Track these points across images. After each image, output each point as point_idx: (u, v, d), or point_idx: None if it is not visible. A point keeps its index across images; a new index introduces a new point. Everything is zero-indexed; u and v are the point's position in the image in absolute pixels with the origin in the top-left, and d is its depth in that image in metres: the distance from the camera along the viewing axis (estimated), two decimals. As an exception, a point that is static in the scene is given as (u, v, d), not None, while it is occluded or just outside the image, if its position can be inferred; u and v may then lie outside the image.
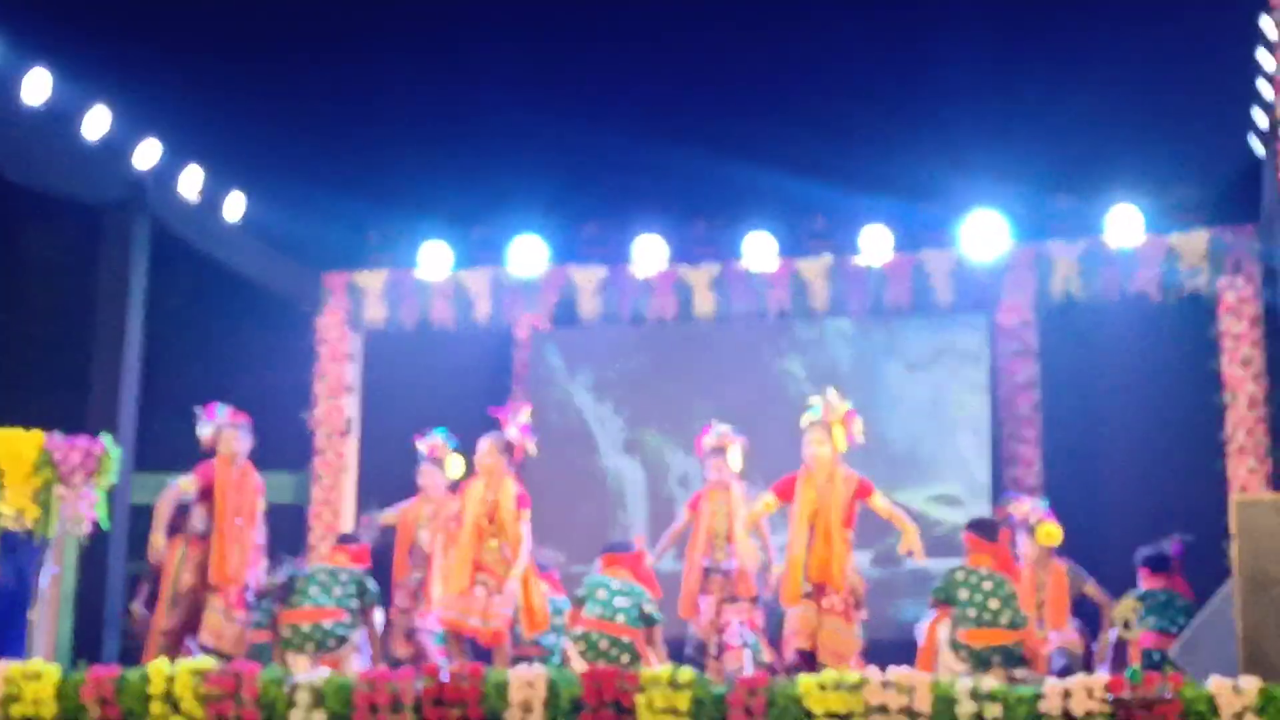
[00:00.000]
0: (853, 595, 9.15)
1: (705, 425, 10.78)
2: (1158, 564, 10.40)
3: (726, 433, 10.50)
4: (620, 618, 9.37)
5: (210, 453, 10.26)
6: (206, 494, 10.07)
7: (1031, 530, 10.54)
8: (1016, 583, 9.14)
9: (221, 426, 10.22)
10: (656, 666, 8.54)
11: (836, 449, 9.34)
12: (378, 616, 9.96)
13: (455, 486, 10.75)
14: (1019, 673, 8.64)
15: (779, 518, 9.91)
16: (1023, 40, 11.04)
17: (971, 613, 8.77)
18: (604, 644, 9.27)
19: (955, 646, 8.74)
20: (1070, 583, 10.53)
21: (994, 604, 8.76)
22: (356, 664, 9.45)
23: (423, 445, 11.27)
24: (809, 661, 9.16)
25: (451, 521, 9.89)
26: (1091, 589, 10.61)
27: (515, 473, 9.71)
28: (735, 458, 10.34)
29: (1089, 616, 10.75)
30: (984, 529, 9.29)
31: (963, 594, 8.85)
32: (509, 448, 9.64)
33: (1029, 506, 10.74)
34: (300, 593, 9.57)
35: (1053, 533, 10.46)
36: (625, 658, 9.19)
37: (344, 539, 10.38)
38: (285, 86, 11.66)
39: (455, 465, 11.15)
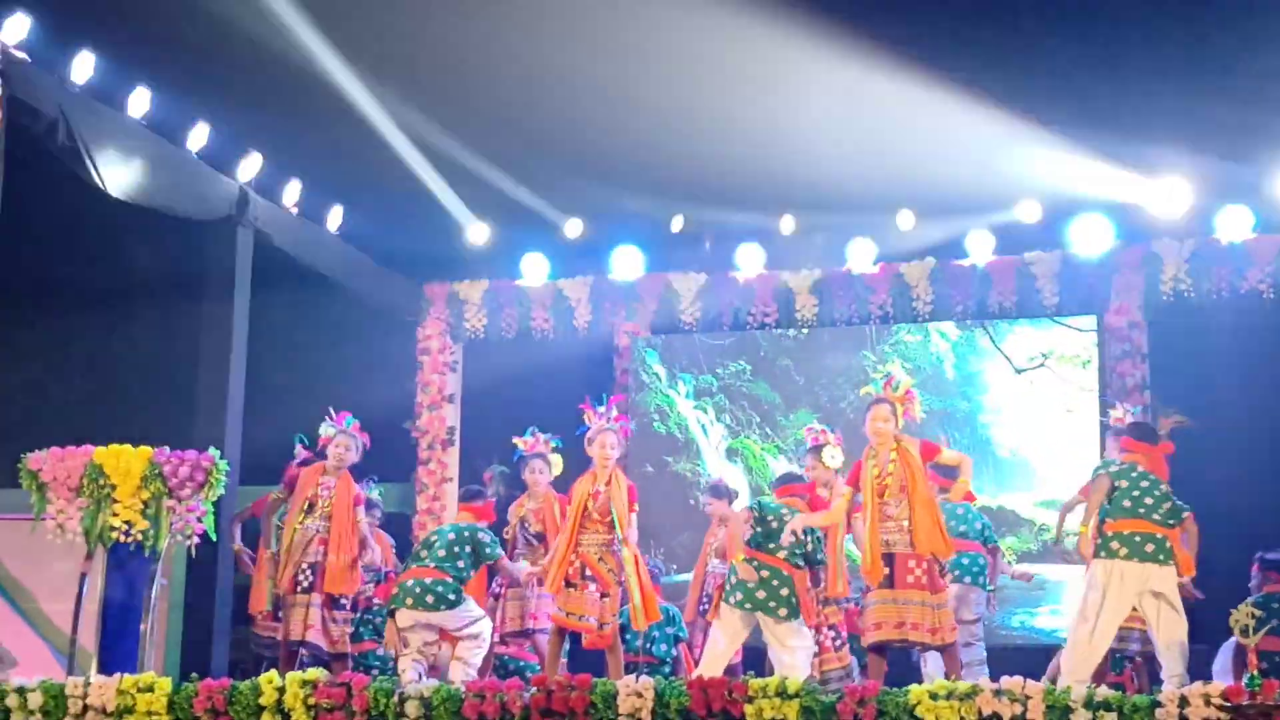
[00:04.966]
0: (935, 563, 8.96)
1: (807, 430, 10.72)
2: None
3: (822, 432, 10.42)
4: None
5: (319, 454, 10.36)
6: (288, 489, 10.19)
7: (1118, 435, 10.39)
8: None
9: (338, 433, 10.30)
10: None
11: (898, 426, 9.23)
12: (507, 565, 9.83)
13: (554, 484, 10.76)
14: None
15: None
16: (1129, 36, 10.88)
17: (1126, 504, 8.60)
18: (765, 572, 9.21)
19: (1106, 540, 8.56)
20: None
21: (1149, 501, 8.58)
22: (474, 652, 9.40)
23: (522, 443, 11.22)
24: (880, 653, 9.03)
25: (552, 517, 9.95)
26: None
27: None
28: (831, 456, 10.25)
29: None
30: (1142, 431, 9.08)
31: (1121, 484, 8.68)
32: (620, 440, 9.66)
33: (1121, 412, 10.64)
34: (415, 556, 9.59)
35: None
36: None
37: (467, 495, 10.23)
38: (382, 98, 11.70)
39: (557, 462, 11.13)
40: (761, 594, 9.03)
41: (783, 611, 9.02)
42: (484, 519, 9.91)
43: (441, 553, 9.45)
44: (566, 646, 9.84)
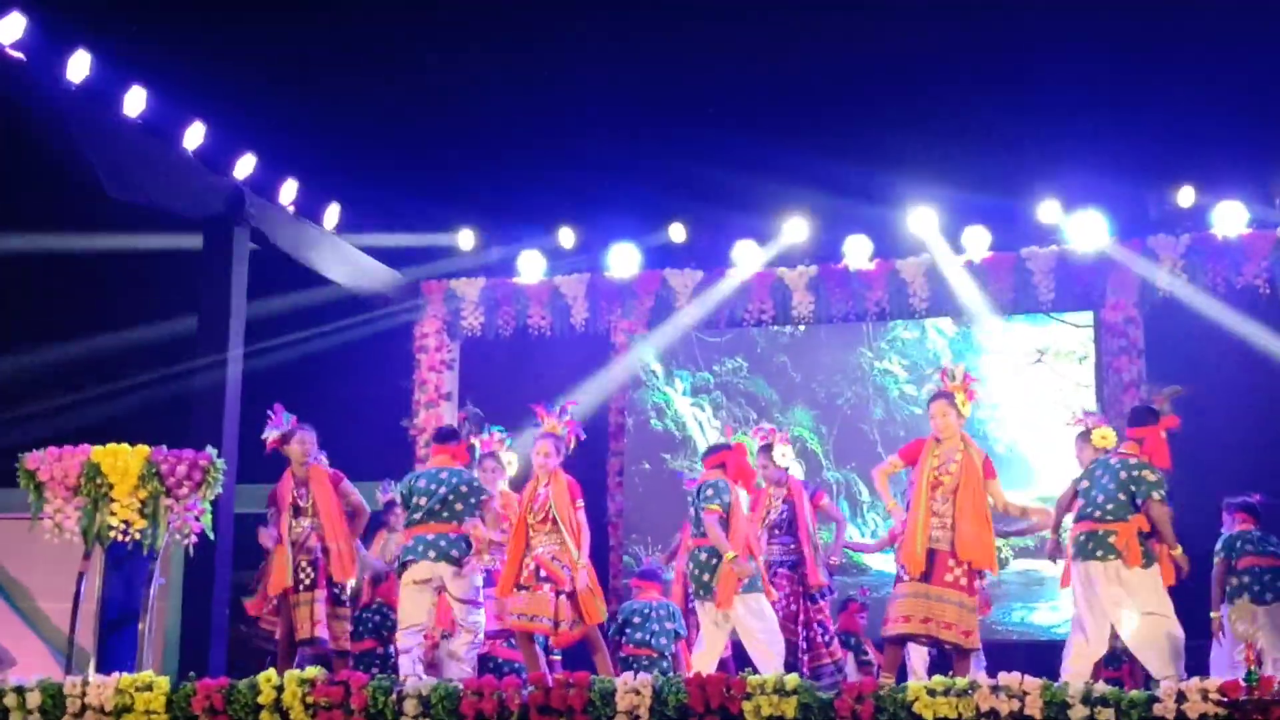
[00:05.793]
0: (974, 567, 8.89)
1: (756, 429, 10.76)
2: (1250, 509, 10.57)
3: (771, 430, 10.48)
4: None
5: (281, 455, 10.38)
6: (274, 502, 10.17)
7: (1088, 434, 10.41)
8: (1164, 468, 8.81)
9: (285, 430, 10.23)
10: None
11: (962, 416, 9.19)
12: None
13: (511, 483, 10.69)
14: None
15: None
16: (1123, 35, 10.91)
17: (1081, 503, 8.67)
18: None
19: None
20: None
21: (1099, 497, 8.60)
22: (468, 648, 9.36)
23: (478, 442, 11.15)
24: (899, 646, 9.01)
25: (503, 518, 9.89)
26: None
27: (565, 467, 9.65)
28: (781, 454, 10.32)
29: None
30: (1137, 414, 9.04)
31: (1084, 484, 8.71)
32: (560, 445, 9.60)
33: (1084, 413, 10.69)
34: (414, 508, 9.41)
35: (1107, 435, 10.36)
36: None
37: (441, 436, 10.01)
38: (381, 98, 11.73)
39: (511, 461, 11.04)
40: (706, 577, 9.17)
41: (704, 591, 9.16)
42: (459, 460, 9.81)
43: (459, 506, 9.34)
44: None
